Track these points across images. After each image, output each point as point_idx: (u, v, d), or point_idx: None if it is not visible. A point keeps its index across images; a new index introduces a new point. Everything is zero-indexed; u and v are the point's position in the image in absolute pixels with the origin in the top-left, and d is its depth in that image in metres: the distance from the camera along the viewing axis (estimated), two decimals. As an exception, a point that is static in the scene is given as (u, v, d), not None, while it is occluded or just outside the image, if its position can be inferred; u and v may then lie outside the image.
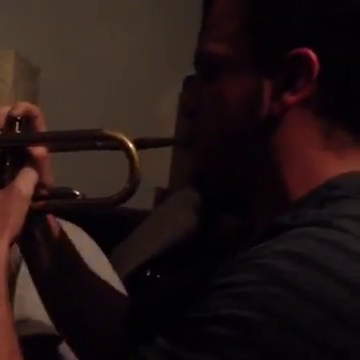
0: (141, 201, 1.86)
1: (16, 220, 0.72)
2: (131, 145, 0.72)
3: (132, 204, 1.73)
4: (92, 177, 2.30)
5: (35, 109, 0.79)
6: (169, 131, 2.48)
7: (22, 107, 0.77)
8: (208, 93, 0.68)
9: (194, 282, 0.75)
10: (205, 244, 2.16)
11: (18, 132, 0.77)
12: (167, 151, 2.59)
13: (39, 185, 0.76)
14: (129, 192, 0.72)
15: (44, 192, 0.77)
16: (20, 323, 1.00)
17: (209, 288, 0.57)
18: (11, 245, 0.71)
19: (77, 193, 0.77)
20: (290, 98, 0.63)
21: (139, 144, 0.73)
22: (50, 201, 0.77)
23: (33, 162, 0.76)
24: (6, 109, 0.77)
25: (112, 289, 0.91)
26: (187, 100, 0.73)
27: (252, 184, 0.68)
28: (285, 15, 0.63)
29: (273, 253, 0.56)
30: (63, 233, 0.85)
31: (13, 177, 0.75)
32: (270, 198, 0.67)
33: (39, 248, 0.82)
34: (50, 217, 0.83)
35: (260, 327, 0.53)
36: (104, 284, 0.90)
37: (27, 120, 0.78)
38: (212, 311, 0.55)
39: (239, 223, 0.82)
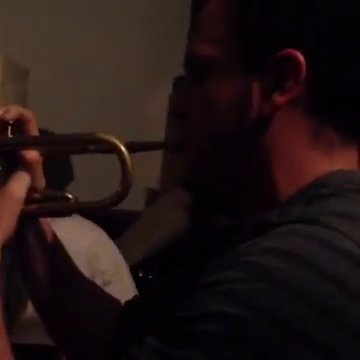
0: (132, 202, 1.86)
1: (8, 222, 0.72)
2: (123, 148, 0.72)
3: (123, 205, 1.72)
4: (84, 180, 2.30)
5: (27, 113, 0.79)
6: (159, 132, 2.48)
7: (14, 111, 0.77)
8: (198, 95, 0.68)
9: (186, 283, 0.75)
10: (197, 244, 2.17)
11: (10, 136, 0.76)
12: (158, 152, 2.58)
13: (32, 188, 0.76)
14: (121, 195, 0.72)
15: (37, 195, 0.77)
16: None
17: (198, 286, 0.57)
18: (3, 248, 0.71)
19: (70, 196, 0.77)
20: (279, 98, 0.64)
21: (131, 147, 0.73)
22: (43, 204, 0.77)
23: (25, 166, 0.76)
24: None
25: (105, 292, 0.91)
26: (177, 103, 0.73)
27: (242, 184, 0.69)
28: (272, 16, 0.63)
29: (261, 250, 0.56)
30: (56, 237, 0.85)
31: (5, 181, 0.75)
32: (260, 198, 0.67)
33: (32, 251, 0.82)
34: (43, 221, 0.83)
35: (248, 323, 0.53)
36: (97, 288, 0.91)
37: (19, 124, 0.77)
38: (201, 309, 0.55)
39: (230, 223, 0.83)
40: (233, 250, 0.59)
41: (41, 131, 0.83)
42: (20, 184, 0.74)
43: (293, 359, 0.53)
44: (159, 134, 2.53)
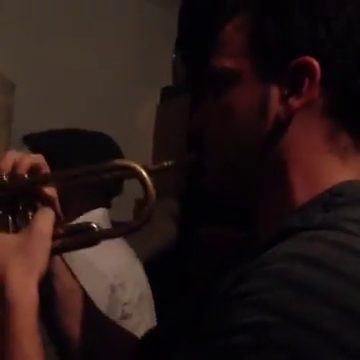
0: (121, 212, 1.86)
1: (42, 258, 0.71)
2: (144, 172, 0.73)
3: (112, 216, 1.72)
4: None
5: (42, 162, 0.78)
6: (147, 143, 2.48)
7: (27, 162, 0.76)
8: (217, 108, 0.71)
9: (198, 309, 0.76)
10: (185, 253, 2.17)
11: (26, 176, 0.75)
12: (147, 163, 2.58)
13: (56, 224, 0.76)
14: (146, 219, 0.73)
15: (61, 230, 0.77)
16: None
17: (223, 300, 0.58)
18: (39, 285, 0.70)
19: (94, 226, 0.76)
20: (295, 102, 0.67)
21: (151, 170, 0.74)
22: (70, 238, 0.76)
23: (47, 202, 0.76)
24: (12, 156, 0.76)
25: (119, 327, 0.91)
26: (195, 117, 0.75)
27: (262, 192, 0.70)
28: (288, 27, 0.67)
29: (285, 257, 0.57)
30: (73, 272, 0.85)
31: (27, 219, 0.75)
32: (276, 205, 0.69)
33: (52, 287, 0.82)
34: (59, 257, 0.83)
35: (280, 331, 0.54)
36: (110, 321, 0.91)
37: (35, 172, 0.77)
38: (232, 322, 0.56)
39: (243, 235, 0.84)
40: (257, 258, 0.59)
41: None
42: (46, 220, 0.74)
43: None
44: (147, 144, 2.53)
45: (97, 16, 2.61)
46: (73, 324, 0.85)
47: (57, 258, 0.82)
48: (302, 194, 0.67)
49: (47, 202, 0.76)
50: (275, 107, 0.67)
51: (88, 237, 0.76)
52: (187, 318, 0.76)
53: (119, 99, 2.57)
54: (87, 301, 0.87)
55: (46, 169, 0.79)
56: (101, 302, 1.38)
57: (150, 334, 0.87)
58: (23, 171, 0.76)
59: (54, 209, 0.77)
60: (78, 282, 0.85)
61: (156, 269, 1.86)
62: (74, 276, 0.85)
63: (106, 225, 1.63)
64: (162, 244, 2.28)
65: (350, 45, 0.66)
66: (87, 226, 0.76)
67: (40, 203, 0.76)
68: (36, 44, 2.52)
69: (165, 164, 0.77)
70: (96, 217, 1.59)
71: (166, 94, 2.56)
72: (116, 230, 0.77)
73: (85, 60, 2.58)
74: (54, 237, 0.74)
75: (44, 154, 0.79)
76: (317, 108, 0.67)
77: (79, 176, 0.78)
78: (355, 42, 0.66)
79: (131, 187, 2.47)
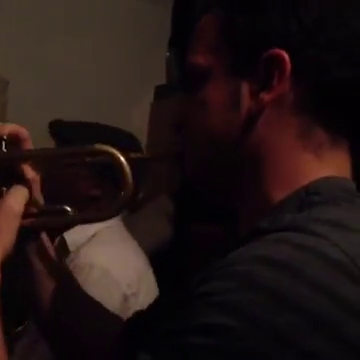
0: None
1: (7, 237, 0.71)
2: (123, 159, 0.72)
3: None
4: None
5: (23, 132, 0.78)
6: (142, 140, 2.47)
7: (9, 128, 0.77)
8: (193, 104, 0.71)
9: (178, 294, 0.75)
10: (179, 251, 2.17)
11: (4, 151, 0.75)
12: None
13: (30, 203, 0.75)
14: (121, 206, 0.72)
15: (35, 210, 0.77)
16: None
17: (188, 298, 0.57)
18: (3, 262, 0.70)
19: (68, 209, 0.76)
20: (266, 97, 0.66)
21: (130, 158, 0.73)
22: (41, 218, 0.76)
23: (24, 182, 0.76)
24: None
25: (105, 309, 0.91)
26: (175, 115, 0.75)
27: (239, 190, 0.70)
28: (258, 18, 0.66)
29: (250, 259, 0.57)
30: (54, 250, 0.85)
31: (1, 196, 0.74)
32: (254, 203, 0.68)
33: (32, 266, 0.82)
34: (44, 236, 0.82)
35: (240, 334, 0.53)
36: (97, 303, 0.91)
37: (15, 142, 0.77)
38: (192, 321, 0.55)
39: (211, 231, 0.83)
40: (223, 258, 0.59)
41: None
42: (18, 198, 0.74)
43: None
44: (141, 142, 2.52)
45: (91, 15, 2.61)
46: (53, 304, 0.84)
47: (40, 237, 0.82)
48: (278, 192, 0.66)
49: (23, 181, 0.76)
50: (246, 102, 0.66)
51: (62, 220, 0.76)
52: (162, 311, 0.75)
53: (113, 97, 2.57)
54: (69, 281, 0.87)
55: (28, 143, 0.78)
56: (113, 309, 1.41)
57: (133, 319, 0.87)
58: (1, 134, 0.75)
59: (30, 188, 0.76)
60: (60, 261, 0.85)
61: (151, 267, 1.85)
62: (56, 255, 0.84)
63: (121, 227, 1.64)
64: (157, 243, 2.27)
65: (322, 37, 0.65)
66: (61, 209, 0.76)
67: (18, 181, 0.76)
68: (30, 42, 2.52)
69: (145, 154, 0.77)
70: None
71: (160, 92, 2.56)
72: (90, 215, 0.76)
73: (79, 58, 2.58)
74: (27, 216, 0.74)
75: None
76: (289, 103, 0.66)
77: (59, 157, 0.77)
78: (327, 34, 0.65)
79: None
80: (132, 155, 0.74)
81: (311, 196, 0.63)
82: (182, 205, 2.24)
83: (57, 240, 1.60)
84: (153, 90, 2.58)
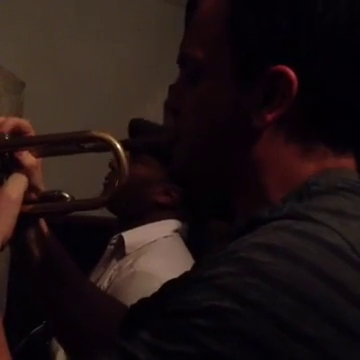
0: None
1: (6, 223, 0.72)
2: (119, 146, 0.73)
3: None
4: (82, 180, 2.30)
5: (25, 124, 0.79)
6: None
7: (11, 123, 0.78)
8: (191, 95, 0.69)
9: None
10: (196, 247, 2.17)
11: (6, 138, 0.77)
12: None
13: (29, 189, 0.77)
14: (117, 192, 0.73)
15: (34, 196, 0.78)
16: None
17: (190, 281, 0.58)
18: (2, 249, 0.71)
19: (67, 195, 0.77)
20: (268, 116, 0.64)
21: (126, 145, 0.74)
22: (40, 204, 0.78)
23: (24, 170, 0.77)
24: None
25: (107, 295, 0.91)
26: (171, 97, 0.74)
27: (233, 188, 0.69)
28: (266, 29, 0.63)
29: (250, 246, 0.57)
30: (56, 239, 0.85)
31: (2, 183, 0.76)
32: (252, 202, 0.67)
33: (31, 252, 0.83)
34: (42, 223, 0.83)
35: (238, 317, 0.54)
36: (98, 290, 0.91)
37: (18, 134, 0.78)
38: (192, 303, 0.56)
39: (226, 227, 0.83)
40: (224, 246, 0.60)
41: None
42: (17, 185, 0.75)
43: (282, 351, 0.54)
44: (156, 141, 2.53)
45: (106, 15, 2.63)
46: (54, 290, 0.85)
47: (39, 224, 0.83)
48: (277, 194, 0.65)
49: (22, 168, 0.77)
50: (246, 115, 0.64)
51: (60, 206, 0.78)
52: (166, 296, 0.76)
53: (128, 96, 2.58)
54: (71, 268, 0.87)
55: (31, 134, 0.79)
56: None
57: (137, 305, 0.87)
58: (5, 130, 0.76)
59: (32, 178, 0.77)
60: (61, 248, 0.86)
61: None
62: (57, 241, 0.85)
63: (179, 238, 1.64)
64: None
65: (331, 54, 0.63)
66: (59, 195, 0.77)
67: (17, 168, 0.77)
68: (45, 43, 2.55)
69: (142, 141, 0.77)
70: (172, 228, 1.61)
71: (174, 91, 2.56)
72: (88, 202, 0.77)
73: (94, 58, 2.59)
74: (26, 202, 0.75)
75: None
76: (291, 121, 0.64)
77: (56, 143, 0.79)
78: (337, 51, 0.63)
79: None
80: (127, 141, 0.75)
81: (310, 186, 0.63)
82: (191, 199, 2.24)
83: (114, 238, 1.60)
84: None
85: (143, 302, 0.86)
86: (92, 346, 0.86)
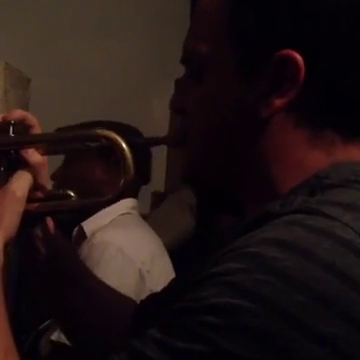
0: (138, 205, 1.86)
1: (10, 221, 0.72)
2: (124, 144, 0.72)
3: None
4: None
5: (31, 118, 0.79)
6: (163, 134, 2.47)
7: (18, 113, 0.77)
8: (196, 92, 0.68)
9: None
10: (203, 244, 2.17)
11: (12, 135, 0.77)
12: (163, 155, 2.59)
13: (34, 188, 0.76)
14: (123, 191, 0.72)
15: (39, 195, 0.78)
16: None
17: (200, 278, 0.57)
18: (6, 246, 0.71)
19: (72, 194, 0.77)
20: (277, 102, 0.63)
21: (132, 144, 0.74)
22: (45, 203, 0.77)
23: (30, 168, 0.76)
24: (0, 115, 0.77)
25: (116, 292, 0.91)
26: (175, 97, 0.73)
27: (242, 183, 0.68)
28: (270, 15, 0.62)
29: (261, 241, 0.56)
30: (63, 237, 0.85)
31: (8, 181, 0.75)
32: (261, 195, 0.67)
33: (36, 249, 0.83)
34: (50, 221, 0.83)
35: (249, 314, 0.53)
36: (106, 287, 0.90)
37: (23, 128, 0.78)
38: (203, 300, 0.55)
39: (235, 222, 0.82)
40: (234, 241, 0.59)
41: None
42: (21, 183, 0.74)
43: (294, 348, 0.53)
44: (163, 135, 2.52)
45: (112, 9, 2.63)
46: (61, 288, 0.85)
47: (46, 222, 0.82)
48: (286, 184, 0.64)
49: (32, 167, 0.77)
50: (254, 104, 0.63)
51: (66, 204, 0.77)
52: (174, 293, 0.75)
53: (135, 91, 2.58)
54: (78, 265, 0.87)
55: (36, 130, 0.79)
56: (129, 285, 1.46)
57: (146, 301, 0.87)
58: (12, 117, 0.76)
59: (38, 176, 0.77)
60: (69, 246, 0.86)
61: (173, 261, 1.86)
62: (64, 239, 0.85)
63: (136, 215, 1.69)
64: (178, 237, 2.27)
65: (337, 39, 0.62)
66: (65, 194, 0.77)
67: (23, 166, 0.77)
68: (51, 39, 2.55)
69: (147, 138, 0.77)
70: (128, 206, 1.65)
71: (180, 86, 2.55)
72: (93, 201, 0.77)
73: (100, 54, 2.59)
74: (32, 201, 0.75)
75: None
76: (299, 107, 0.63)
77: (63, 141, 0.79)
78: (342, 35, 0.62)
79: (147, 179, 2.46)
80: (133, 140, 0.74)
81: (322, 180, 0.62)
82: (205, 197, 2.24)
83: (75, 230, 1.64)
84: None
85: (152, 299, 0.86)
86: (101, 343, 0.86)
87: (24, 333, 1.68)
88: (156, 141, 0.77)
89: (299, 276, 0.54)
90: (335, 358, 0.53)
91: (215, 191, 0.75)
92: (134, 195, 1.72)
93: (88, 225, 1.61)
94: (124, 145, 0.72)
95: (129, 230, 1.60)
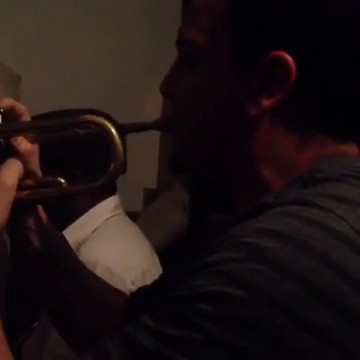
0: (131, 203, 1.86)
1: (1, 211, 0.72)
2: (113, 130, 0.72)
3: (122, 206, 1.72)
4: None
5: (20, 106, 0.79)
6: (155, 131, 2.47)
7: (6, 102, 0.78)
8: (187, 80, 0.68)
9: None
10: (195, 242, 2.17)
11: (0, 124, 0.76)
12: (155, 152, 2.59)
13: (26, 176, 0.76)
14: (112, 177, 0.72)
15: (30, 182, 0.77)
16: None
17: (194, 267, 0.58)
18: None
19: (62, 181, 0.76)
20: (265, 102, 0.63)
21: (121, 129, 0.73)
22: (35, 190, 0.77)
23: (20, 156, 0.77)
24: None
25: (105, 283, 0.91)
26: (166, 80, 0.73)
27: (232, 176, 0.68)
28: (267, 15, 0.62)
29: (255, 231, 0.57)
30: (55, 227, 0.85)
31: None
32: (251, 191, 0.67)
33: (28, 239, 0.82)
34: (41, 211, 0.82)
35: (241, 302, 0.53)
36: (97, 278, 0.91)
37: (12, 117, 0.78)
38: (196, 289, 0.55)
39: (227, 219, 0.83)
40: (228, 232, 0.59)
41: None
42: (11, 171, 0.74)
43: (285, 338, 0.53)
44: (155, 132, 2.52)
45: (103, 5, 2.62)
46: (53, 279, 0.85)
47: (36, 212, 0.83)
48: (277, 182, 0.65)
49: (22, 156, 0.77)
50: (243, 102, 0.64)
51: (56, 191, 0.77)
52: (166, 284, 0.76)
53: (126, 87, 2.58)
54: (70, 257, 0.87)
55: (26, 118, 0.79)
56: None
57: (137, 292, 0.87)
58: (1, 105, 0.76)
59: (28, 164, 0.77)
60: (60, 237, 0.85)
61: (166, 259, 1.85)
62: (57, 231, 0.85)
63: (122, 215, 1.58)
64: (170, 234, 2.27)
65: (331, 43, 0.62)
66: (55, 180, 0.77)
67: (12, 154, 0.77)
68: (42, 37, 2.54)
69: (137, 123, 0.76)
70: (110, 208, 1.53)
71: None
72: (83, 186, 0.77)
73: (91, 52, 2.59)
74: (22, 189, 0.75)
75: None
76: (289, 109, 0.63)
77: (52, 128, 0.78)
78: (337, 40, 0.62)
79: (140, 176, 2.46)
80: (123, 125, 0.74)
81: (315, 174, 0.62)
82: (198, 194, 2.24)
83: None
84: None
85: (144, 289, 0.86)
86: (91, 334, 0.86)
87: (16, 332, 1.67)
88: (145, 126, 0.76)
89: (292, 266, 0.54)
90: (326, 348, 0.53)
91: (202, 181, 0.75)
92: (113, 189, 1.57)
93: (70, 234, 1.46)
94: (113, 130, 0.72)
95: (115, 243, 1.47)
